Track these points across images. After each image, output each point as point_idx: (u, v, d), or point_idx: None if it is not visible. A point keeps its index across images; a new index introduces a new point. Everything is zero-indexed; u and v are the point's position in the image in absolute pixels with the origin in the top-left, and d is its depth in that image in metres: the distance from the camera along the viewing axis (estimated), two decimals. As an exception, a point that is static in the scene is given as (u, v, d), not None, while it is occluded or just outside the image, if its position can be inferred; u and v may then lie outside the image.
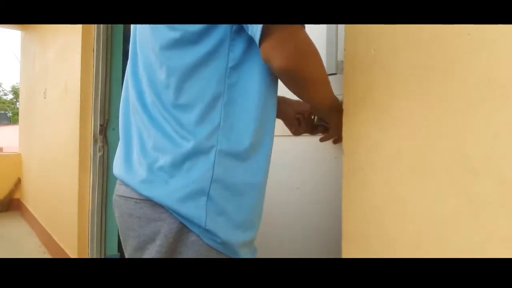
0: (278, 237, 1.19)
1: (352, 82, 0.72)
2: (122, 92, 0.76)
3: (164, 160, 0.62)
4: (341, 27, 0.87)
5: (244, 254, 0.67)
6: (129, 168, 0.67)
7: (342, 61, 0.75)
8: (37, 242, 3.42)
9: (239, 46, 0.63)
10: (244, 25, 0.60)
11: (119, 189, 0.69)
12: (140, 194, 0.63)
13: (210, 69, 0.63)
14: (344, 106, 0.74)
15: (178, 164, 0.61)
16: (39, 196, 3.65)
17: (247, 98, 0.64)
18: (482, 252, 0.52)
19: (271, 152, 0.71)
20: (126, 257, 0.70)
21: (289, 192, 1.14)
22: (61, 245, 2.78)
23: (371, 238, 0.67)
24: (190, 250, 0.61)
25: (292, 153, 1.14)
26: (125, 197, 0.66)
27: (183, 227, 0.61)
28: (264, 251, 1.23)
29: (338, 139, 0.86)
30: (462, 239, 0.54)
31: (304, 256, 1.09)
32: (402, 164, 0.62)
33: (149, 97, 0.67)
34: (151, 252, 0.62)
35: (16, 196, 4.74)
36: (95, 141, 2.28)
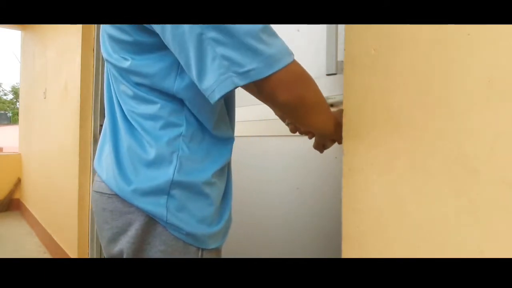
0: (278, 237, 1.19)
1: (352, 82, 0.72)
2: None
3: (130, 160, 0.67)
4: (341, 27, 0.87)
5: (213, 243, 0.70)
6: (101, 164, 0.73)
7: (342, 61, 0.76)
8: (37, 242, 3.42)
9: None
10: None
11: (95, 185, 0.74)
12: (111, 190, 0.68)
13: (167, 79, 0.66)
14: (344, 106, 0.74)
15: (143, 165, 0.66)
16: (39, 196, 3.65)
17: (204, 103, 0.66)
18: (482, 252, 0.52)
19: (230, 156, 0.75)
20: (102, 249, 0.76)
21: (289, 192, 1.14)
22: (61, 245, 2.78)
23: (371, 238, 0.67)
24: (158, 240, 0.66)
25: (292, 153, 1.14)
26: (100, 192, 0.71)
27: (151, 219, 0.66)
28: (264, 251, 1.23)
29: (322, 147, 0.85)
30: (462, 239, 0.54)
31: (303, 256, 1.09)
32: (402, 164, 0.62)
33: (118, 99, 0.72)
34: (124, 242, 0.67)
35: (16, 196, 4.74)
36: (95, 141, 2.28)
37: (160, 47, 0.62)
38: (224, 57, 0.54)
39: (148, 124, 0.67)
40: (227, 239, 0.78)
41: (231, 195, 0.79)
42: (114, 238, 0.69)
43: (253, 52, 0.54)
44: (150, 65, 0.65)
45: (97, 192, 0.73)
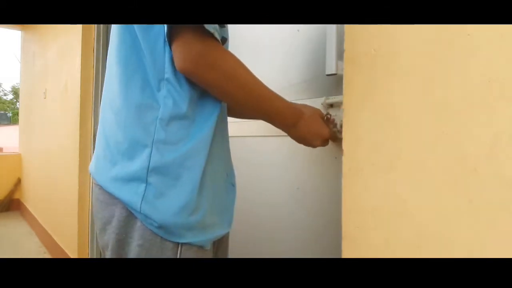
0: (278, 237, 1.19)
1: (352, 82, 0.72)
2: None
3: (109, 150, 0.69)
4: (341, 27, 0.87)
5: (192, 236, 0.67)
6: (95, 158, 0.75)
7: (342, 61, 0.76)
8: (37, 242, 3.42)
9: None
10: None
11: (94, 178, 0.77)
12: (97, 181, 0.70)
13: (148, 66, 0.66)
14: (344, 106, 0.74)
15: (120, 154, 0.67)
16: (39, 196, 3.65)
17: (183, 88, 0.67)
18: (482, 252, 0.52)
19: (211, 135, 0.71)
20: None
21: (289, 192, 1.14)
22: (61, 245, 2.78)
23: (371, 238, 0.67)
24: (137, 235, 0.66)
25: (292, 153, 1.14)
26: (95, 184, 0.74)
27: (130, 213, 0.66)
28: (263, 251, 1.23)
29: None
30: (462, 239, 0.54)
31: (303, 256, 1.09)
32: (402, 164, 0.62)
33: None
34: (109, 233, 0.68)
35: (16, 196, 4.74)
36: (95, 141, 2.28)
37: None
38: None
39: (124, 110, 0.68)
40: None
41: (225, 182, 0.77)
42: (103, 228, 0.70)
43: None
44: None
45: (94, 183, 0.75)
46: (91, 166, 0.75)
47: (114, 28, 0.72)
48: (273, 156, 1.21)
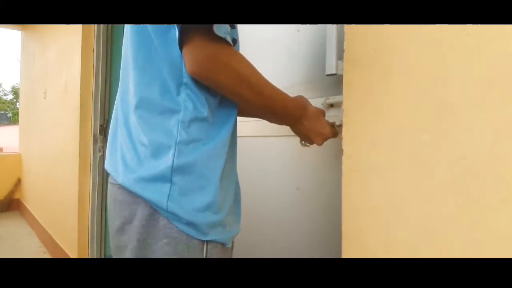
0: (278, 237, 1.19)
1: (352, 82, 0.72)
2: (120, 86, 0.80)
3: (135, 153, 0.70)
4: (341, 27, 0.87)
5: (216, 233, 0.70)
6: (112, 157, 0.76)
7: (342, 61, 0.76)
8: (37, 242, 3.42)
9: None
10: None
11: (110, 177, 0.77)
12: (118, 181, 0.71)
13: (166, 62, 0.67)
14: (344, 106, 0.74)
15: (145, 156, 0.68)
16: (39, 196, 3.65)
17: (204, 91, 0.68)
18: (482, 252, 0.52)
19: (229, 137, 0.74)
20: (110, 241, 0.77)
21: (289, 193, 1.14)
22: (61, 245, 2.78)
23: (371, 238, 0.67)
24: (161, 234, 0.66)
25: (292, 153, 1.14)
26: (112, 183, 0.74)
27: (154, 211, 0.66)
28: (264, 251, 1.23)
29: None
30: (462, 239, 0.54)
31: (303, 256, 1.09)
32: (402, 164, 0.62)
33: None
34: (130, 232, 0.69)
35: (16, 196, 4.73)
36: (95, 141, 2.28)
37: None
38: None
39: (146, 112, 0.69)
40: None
41: (236, 183, 0.79)
42: (121, 228, 0.70)
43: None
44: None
45: (110, 183, 0.75)
46: (109, 166, 0.76)
47: (129, 35, 0.73)
48: (273, 156, 1.21)
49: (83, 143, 2.33)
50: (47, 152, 3.26)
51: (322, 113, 0.84)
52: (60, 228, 2.83)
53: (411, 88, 0.61)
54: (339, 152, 0.97)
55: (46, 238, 3.23)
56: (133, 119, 0.71)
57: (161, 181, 0.66)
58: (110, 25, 2.27)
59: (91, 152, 2.29)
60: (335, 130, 0.85)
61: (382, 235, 0.65)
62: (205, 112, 0.68)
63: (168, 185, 0.66)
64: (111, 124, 0.81)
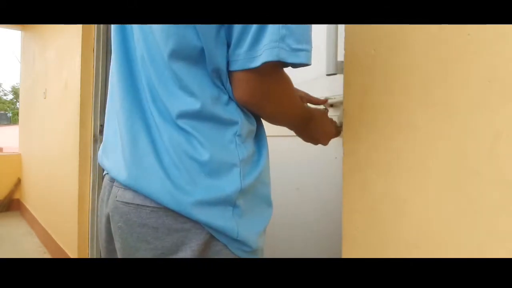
0: (278, 237, 1.19)
1: (352, 82, 0.72)
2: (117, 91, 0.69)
3: (183, 166, 0.57)
4: (341, 27, 0.87)
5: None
6: (139, 172, 0.59)
7: (342, 61, 0.76)
8: (37, 242, 3.42)
9: None
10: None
11: (122, 195, 0.60)
12: (158, 203, 0.56)
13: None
14: (344, 106, 0.74)
15: (201, 172, 0.57)
16: (39, 196, 3.65)
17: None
18: (482, 252, 0.52)
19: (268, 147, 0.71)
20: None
21: (289, 193, 1.14)
22: (61, 245, 2.77)
23: (371, 238, 0.67)
24: (208, 256, 0.58)
25: (292, 153, 1.14)
26: (135, 204, 0.58)
27: (211, 237, 0.57)
28: (264, 251, 1.23)
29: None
30: (462, 239, 0.54)
31: (304, 256, 1.09)
32: (402, 164, 0.62)
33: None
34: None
35: (16, 196, 4.73)
36: (95, 141, 2.28)
37: None
38: (285, 27, 0.52)
39: (195, 121, 0.57)
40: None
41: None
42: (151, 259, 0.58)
43: (309, 38, 0.55)
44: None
45: (128, 204, 0.59)
46: (134, 185, 0.58)
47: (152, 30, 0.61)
48: (273, 156, 1.21)
49: (83, 143, 2.33)
50: (47, 152, 3.26)
51: (325, 113, 0.83)
52: (60, 228, 2.83)
53: (411, 88, 0.61)
54: (339, 152, 0.97)
55: (46, 238, 3.23)
56: (169, 125, 0.58)
57: (223, 205, 0.57)
58: (110, 25, 2.27)
59: (91, 152, 2.29)
60: (338, 129, 0.85)
61: (382, 235, 0.65)
62: (254, 123, 0.62)
63: (231, 208, 0.57)
64: (106, 118, 0.70)
